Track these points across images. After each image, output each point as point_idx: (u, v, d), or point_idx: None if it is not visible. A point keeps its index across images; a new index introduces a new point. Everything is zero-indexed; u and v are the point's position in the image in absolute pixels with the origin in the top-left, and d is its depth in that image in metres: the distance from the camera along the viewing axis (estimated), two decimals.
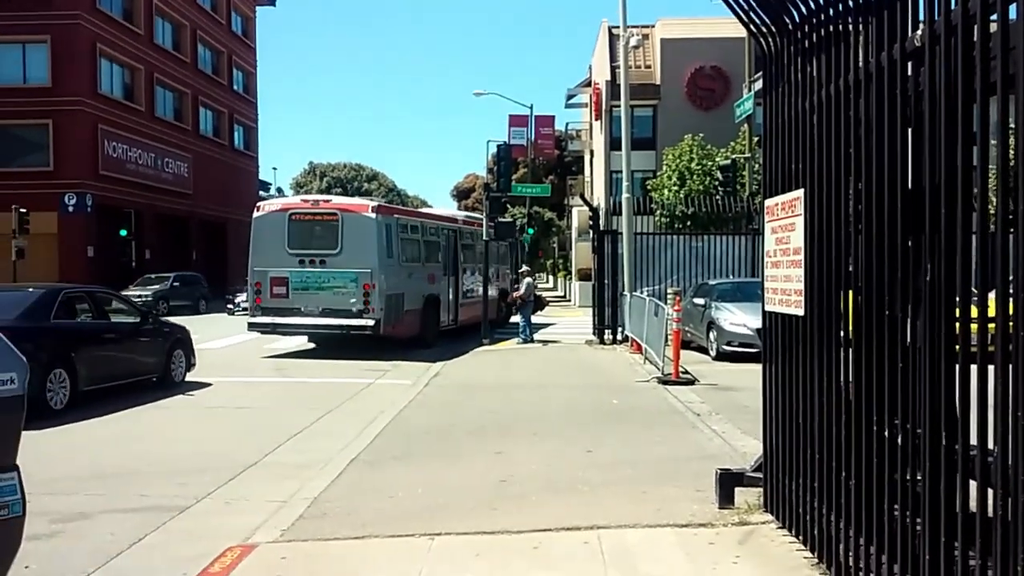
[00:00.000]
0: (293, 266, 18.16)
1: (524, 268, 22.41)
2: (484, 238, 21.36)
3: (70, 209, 35.81)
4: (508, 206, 45.60)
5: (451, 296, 21.62)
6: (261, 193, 61.89)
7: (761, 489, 6.18)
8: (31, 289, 12.74)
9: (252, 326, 18.98)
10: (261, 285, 18.52)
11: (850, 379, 4.66)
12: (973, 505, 3.57)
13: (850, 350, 4.67)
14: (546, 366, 16.83)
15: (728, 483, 6.39)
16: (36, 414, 10.24)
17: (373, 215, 18.14)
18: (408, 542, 5.75)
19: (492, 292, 23.56)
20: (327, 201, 19.27)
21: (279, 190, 71.97)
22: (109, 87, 39.08)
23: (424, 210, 29.12)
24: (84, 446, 9.58)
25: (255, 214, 19.10)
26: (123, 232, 39.50)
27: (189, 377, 14.39)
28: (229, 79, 52.95)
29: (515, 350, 19.92)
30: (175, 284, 35.41)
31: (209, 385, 14.21)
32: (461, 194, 73.60)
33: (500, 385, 14.03)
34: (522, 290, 21.38)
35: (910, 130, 4.09)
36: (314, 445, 9.42)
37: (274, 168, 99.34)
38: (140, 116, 41.16)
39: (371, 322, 17.83)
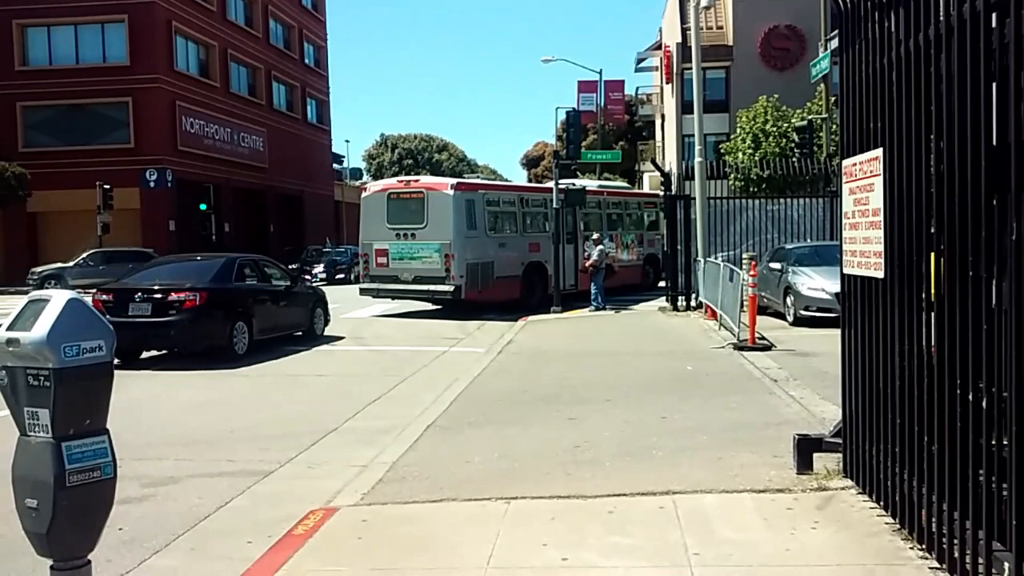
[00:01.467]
0: (391, 239, 20.82)
1: (595, 235, 22.26)
2: (554, 205, 21.36)
3: (151, 184, 36.81)
4: (578, 173, 45.37)
5: (565, 262, 22.44)
6: (335, 166, 62.77)
7: (840, 455, 6.10)
8: (198, 258, 15.82)
9: (363, 291, 21.67)
10: (368, 256, 21.32)
11: (932, 342, 4.55)
12: None
13: (932, 313, 4.57)
14: (618, 333, 16.80)
15: (806, 449, 6.32)
16: (226, 358, 13.53)
17: (451, 192, 20.24)
18: (484, 506, 5.84)
19: (631, 257, 26.48)
20: (416, 181, 21.96)
21: (366, 171, 72.68)
22: (185, 64, 39.90)
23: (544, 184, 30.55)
24: (175, 413, 9.94)
25: (363, 195, 22.38)
26: (203, 206, 40.44)
27: (327, 331, 16.93)
28: (301, 53, 53.58)
29: (587, 317, 19.92)
30: (88, 263, 31.47)
31: (342, 339, 16.59)
32: (530, 162, 73.49)
33: (572, 352, 14.05)
34: (594, 257, 21.27)
35: (995, 85, 3.94)
36: (391, 411, 9.60)
37: (347, 140, 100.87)
38: (215, 92, 41.97)
39: (451, 287, 19.95)
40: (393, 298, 21.61)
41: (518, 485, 6.28)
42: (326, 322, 17.00)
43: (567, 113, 23.83)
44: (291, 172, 49.00)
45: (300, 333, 16.04)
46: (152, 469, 7.20)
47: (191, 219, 38.86)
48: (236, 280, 14.43)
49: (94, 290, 14.55)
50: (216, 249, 37.42)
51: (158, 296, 13.23)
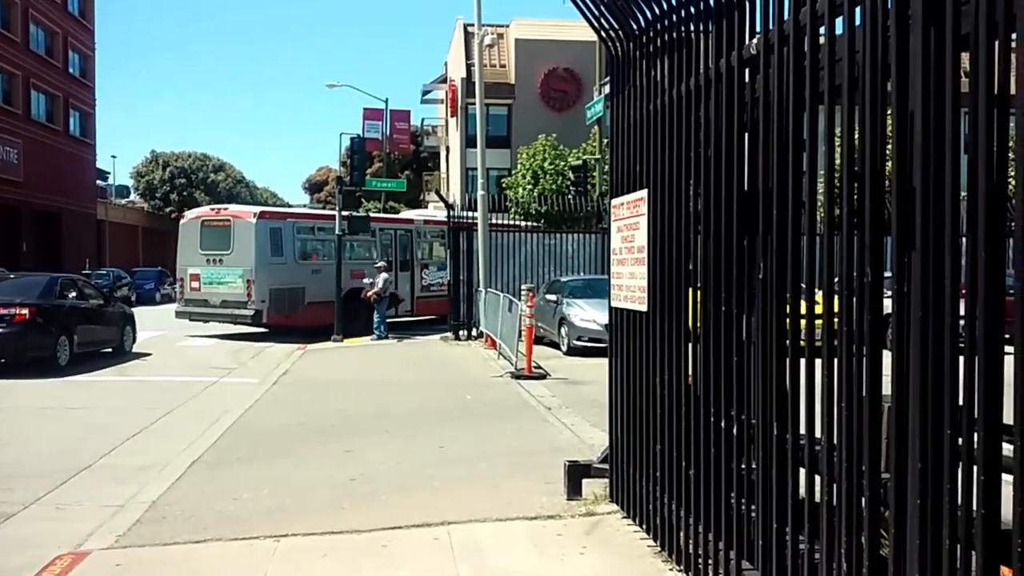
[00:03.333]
0: (203, 264, 21.64)
1: (381, 263, 22.12)
2: (337, 232, 21.11)
3: None
4: (363, 201, 45.01)
5: (399, 288, 23.36)
6: (99, 183, 58.89)
7: (607, 480, 6.34)
8: (12, 276, 17.14)
9: (179, 314, 22.39)
10: (183, 280, 22.11)
11: (690, 372, 4.83)
12: (803, 491, 3.77)
13: (691, 345, 4.85)
14: (399, 363, 16.74)
15: (576, 475, 6.52)
16: (48, 368, 14.27)
17: (254, 220, 21.15)
18: (252, 545, 5.59)
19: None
20: (225, 209, 23.16)
21: (134, 189, 68.72)
22: None
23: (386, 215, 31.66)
24: None
25: (181, 222, 23.22)
26: None
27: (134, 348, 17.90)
28: (65, 62, 49.96)
29: (368, 346, 19.73)
30: None
31: (150, 355, 17.48)
32: (313, 187, 72.11)
33: (352, 382, 13.84)
34: (379, 286, 21.11)
35: (747, 135, 4.27)
36: (153, 446, 9.02)
37: (113, 156, 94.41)
38: None
39: (251, 312, 20.69)
40: (205, 321, 22.06)
41: (289, 522, 6.06)
42: (134, 340, 17.99)
43: (352, 139, 23.77)
44: (49, 187, 45.38)
45: (110, 349, 16.90)
46: None
47: None
48: (59, 297, 15.36)
49: None
50: None
51: None
